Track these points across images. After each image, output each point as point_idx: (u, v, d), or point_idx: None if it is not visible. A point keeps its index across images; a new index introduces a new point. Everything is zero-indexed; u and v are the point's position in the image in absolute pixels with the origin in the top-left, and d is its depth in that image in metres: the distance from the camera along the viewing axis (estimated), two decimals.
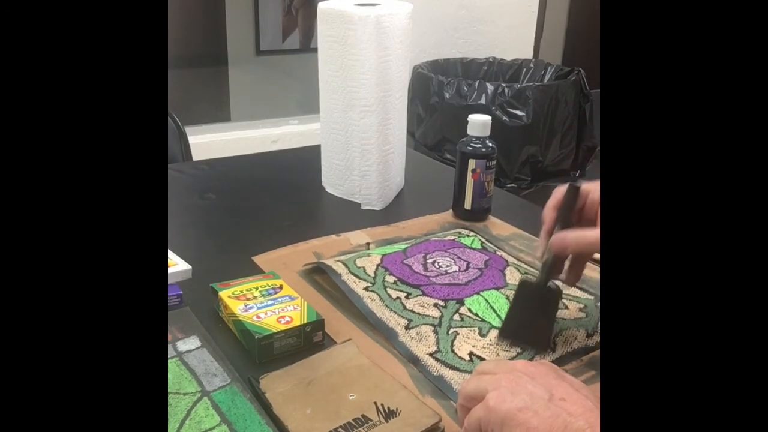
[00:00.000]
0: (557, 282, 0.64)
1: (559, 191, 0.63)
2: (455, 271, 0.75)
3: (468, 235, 0.86)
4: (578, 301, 0.71)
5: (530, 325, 0.63)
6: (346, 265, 0.75)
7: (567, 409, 0.40)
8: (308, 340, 0.63)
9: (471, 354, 0.62)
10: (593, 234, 0.58)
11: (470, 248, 0.82)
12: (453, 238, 0.85)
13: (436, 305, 0.68)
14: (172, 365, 0.58)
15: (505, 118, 2.17)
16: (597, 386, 0.57)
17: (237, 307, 0.64)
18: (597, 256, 0.83)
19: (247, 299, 0.66)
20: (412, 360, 0.62)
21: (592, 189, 0.62)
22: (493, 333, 0.64)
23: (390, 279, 0.73)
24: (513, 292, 0.71)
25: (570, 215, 0.62)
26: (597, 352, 0.64)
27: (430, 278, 0.74)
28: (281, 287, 0.69)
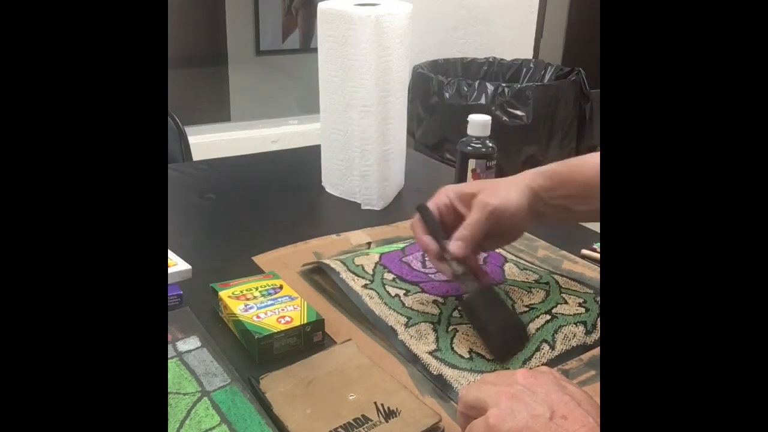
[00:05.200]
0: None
1: (415, 221, 0.67)
2: None
3: None
4: (578, 296, 0.71)
5: (504, 330, 0.63)
6: (344, 264, 0.75)
7: (568, 429, 0.40)
8: (308, 340, 0.63)
9: (471, 351, 0.62)
10: (469, 221, 0.63)
11: None
12: None
13: (435, 302, 0.68)
14: (172, 365, 0.58)
15: (505, 118, 2.17)
16: (597, 386, 0.57)
17: (237, 307, 0.64)
18: (597, 256, 0.83)
19: (247, 299, 0.66)
20: (412, 359, 0.62)
21: (435, 201, 0.67)
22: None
23: (389, 276, 0.73)
24: (512, 287, 0.71)
25: (437, 228, 0.65)
26: (597, 351, 0.64)
27: (429, 275, 0.74)
28: (281, 287, 0.69)
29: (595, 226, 0.80)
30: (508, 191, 0.65)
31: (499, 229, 0.65)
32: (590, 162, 0.68)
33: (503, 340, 0.62)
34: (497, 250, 0.82)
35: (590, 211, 0.67)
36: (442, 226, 0.66)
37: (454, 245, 0.63)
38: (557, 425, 0.40)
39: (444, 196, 0.67)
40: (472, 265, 0.66)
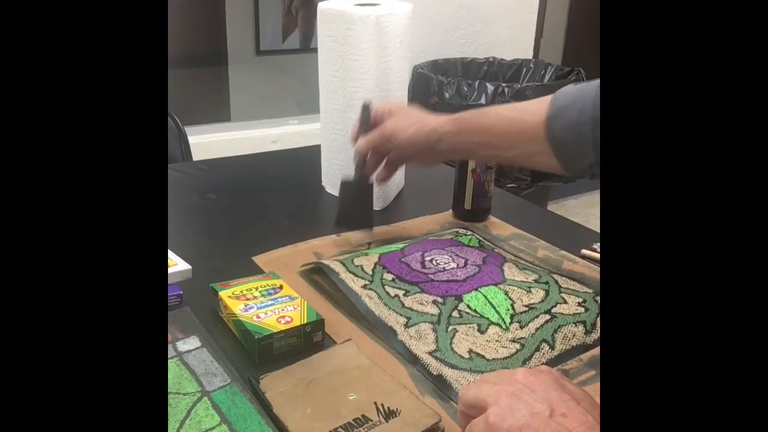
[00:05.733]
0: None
1: (359, 116, 0.85)
2: (453, 268, 0.75)
3: (465, 234, 0.86)
4: (577, 296, 0.71)
5: (355, 213, 0.85)
6: (343, 264, 0.75)
7: (567, 426, 0.40)
8: (308, 340, 0.63)
9: (470, 351, 0.62)
10: (376, 130, 0.81)
11: (468, 246, 0.82)
12: (451, 237, 0.85)
13: (434, 302, 0.68)
14: (172, 365, 0.58)
15: None
16: (597, 386, 0.57)
17: (237, 307, 0.64)
18: (597, 256, 0.83)
19: (247, 299, 0.66)
20: (412, 360, 0.62)
21: (378, 106, 0.84)
22: (492, 329, 0.64)
23: (388, 277, 0.73)
24: (512, 287, 0.71)
25: (367, 127, 0.83)
26: (597, 351, 0.64)
27: (429, 275, 0.74)
28: (281, 287, 0.69)
29: (596, 226, 0.80)
30: (410, 124, 0.80)
31: (397, 150, 0.82)
32: (492, 111, 0.78)
33: (345, 217, 0.85)
34: (496, 251, 0.82)
35: (493, 156, 0.83)
36: (374, 126, 0.82)
37: (358, 142, 0.83)
38: (557, 423, 0.40)
39: (385, 105, 0.84)
40: (370, 163, 0.84)
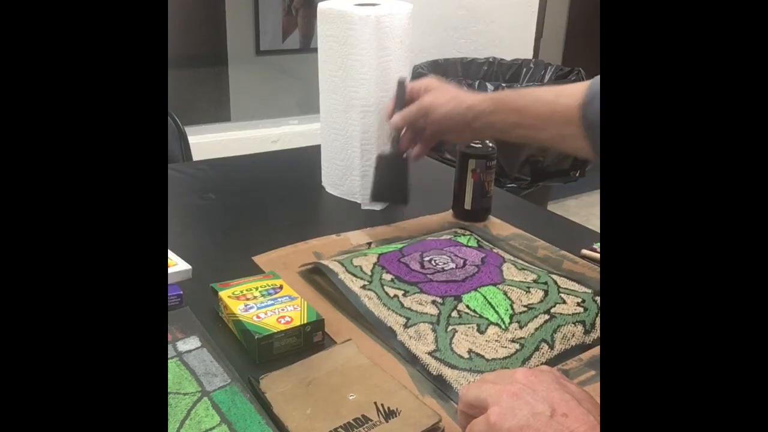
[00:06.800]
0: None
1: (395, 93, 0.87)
2: (452, 269, 0.75)
3: (464, 234, 0.86)
4: (576, 296, 0.71)
5: (391, 187, 0.88)
6: (342, 265, 0.75)
7: (569, 427, 0.40)
8: (308, 340, 0.63)
9: (470, 351, 0.62)
10: (412, 105, 0.83)
11: (466, 246, 0.82)
12: (449, 237, 0.85)
13: (434, 302, 0.68)
14: (172, 365, 0.58)
15: None
16: (597, 386, 0.57)
17: (237, 307, 0.64)
18: (597, 256, 0.83)
19: (247, 299, 0.66)
20: (411, 360, 0.62)
21: (413, 83, 0.86)
22: (492, 329, 0.64)
23: (387, 277, 0.73)
24: (511, 287, 0.71)
25: (403, 103, 0.85)
26: (597, 351, 0.64)
27: (428, 275, 0.74)
28: (281, 287, 0.69)
29: (596, 226, 0.80)
30: (447, 100, 0.81)
31: (434, 126, 0.83)
32: (531, 93, 0.79)
33: (381, 192, 0.88)
34: (495, 251, 0.82)
35: (526, 136, 0.81)
36: (410, 102, 0.84)
37: (394, 117, 0.85)
38: (558, 423, 0.40)
39: (421, 82, 0.85)
40: (406, 138, 0.86)
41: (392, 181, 0.87)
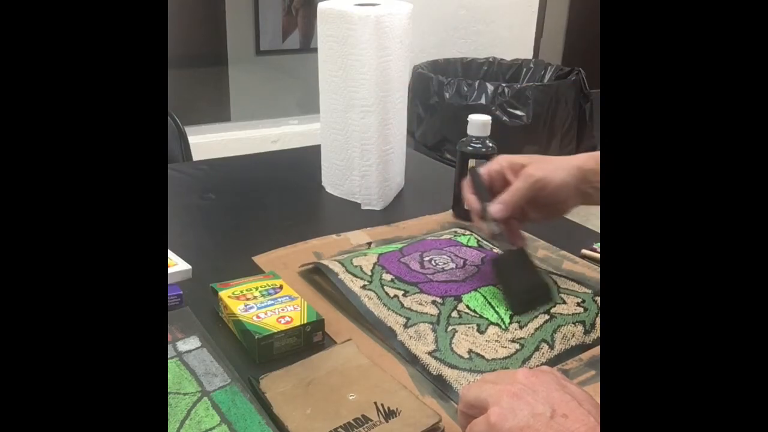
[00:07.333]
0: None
1: (466, 181, 0.73)
2: (452, 269, 0.75)
3: (464, 234, 0.86)
4: (576, 296, 0.71)
5: (528, 289, 0.70)
6: (342, 265, 0.75)
7: (569, 428, 0.40)
8: (308, 340, 0.63)
9: (470, 351, 0.62)
10: (519, 185, 0.69)
11: (466, 246, 0.82)
12: (449, 236, 0.85)
13: (434, 302, 0.68)
14: (172, 365, 0.58)
15: (505, 118, 2.17)
16: (597, 386, 0.57)
17: (237, 307, 0.64)
18: (597, 256, 0.83)
19: (247, 299, 0.66)
20: (411, 360, 0.62)
21: (489, 167, 0.72)
22: (492, 329, 0.64)
23: (387, 277, 0.73)
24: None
25: (483, 190, 0.72)
26: (597, 351, 0.64)
27: (428, 276, 0.74)
28: (281, 287, 0.69)
29: (595, 226, 0.80)
30: (555, 168, 0.70)
31: (543, 202, 0.70)
32: None
33: (521, 297, 0.68)
34: (495, 251, 0.82)
35: None
36: (492, 190, 0.71)
37: (495, 207, 0.69)
38: (558, 424, 0.40)
39: (497, 163, 0.72)
40: (511, 230, 0.72)
41: (525, 283, 0.70)
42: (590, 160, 0.70)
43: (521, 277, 0.70)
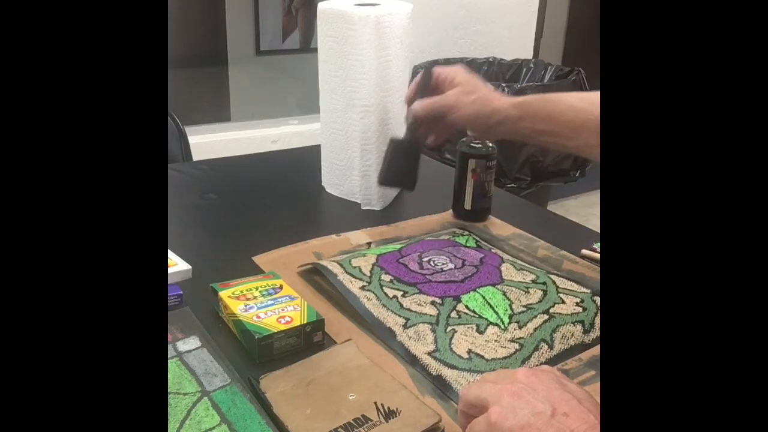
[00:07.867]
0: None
1: (418, 77, 0.83)
2: (451, 269, 0.75)
3: (462, 234, 0.86)
4: (575, 296, 0.71)
5: (400, 172, 0.86)
6: (341, 265, 0.75)
7: (570, 426, 0.40)
8: (308, 340, 0.63)
9: (469, 351, 0.62)
10: (437, 98, 0.80)
11: (465, 246, 0.82)
12: (447, 237, 0.85)
13: (433, 303, 0.68)
14: (172, 365, 0.58)
15: None
16: (597, 386, 0.57)
17: (237, 307, 0.64)
18: (597, 256, 0.83)
19: (247, 299, 0.66)
20: (411, 360, 0.62)
21: (441, 71, 0.82)
22: (491, 330, 0.64)
23: (386, 278, 0.73)
24: (510, 288, 0.71)
25: (426, 91, 0.82)
26: (596, 351, 0.64)
27: (427, 276, 0.74)
28: (281, 287, 0.69)
29: (595, 226, 0.80)
30: (473, 101, 0.78)
31: (458, 122, 0.81)
32: (562, 100, 0.77)
33: (390, 176, 0.87)
34: (494, 251, 0.82)
35: (553, 143, 0.78)
36: (436, 90, 0.81)
37: (415, 105, 0.81)
38: (559, 422, 0.40)
39: (448, 71, 0.81)
40: (437, 130, 0.84)
41: (403, 167, 0.86)
42: (513, 107, 0.77)
43: (401, 160, 0.85)
